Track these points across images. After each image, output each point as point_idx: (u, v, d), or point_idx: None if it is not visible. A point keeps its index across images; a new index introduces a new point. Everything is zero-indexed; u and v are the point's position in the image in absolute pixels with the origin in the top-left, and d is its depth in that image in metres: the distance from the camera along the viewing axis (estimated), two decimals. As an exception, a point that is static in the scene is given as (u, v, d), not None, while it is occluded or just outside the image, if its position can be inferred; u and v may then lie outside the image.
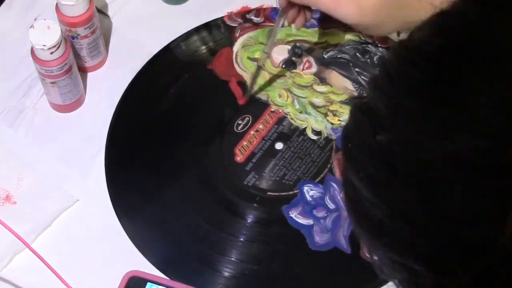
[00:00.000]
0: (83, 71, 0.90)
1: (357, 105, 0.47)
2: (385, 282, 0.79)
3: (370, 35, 0.88)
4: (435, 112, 0.41)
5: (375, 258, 0.47)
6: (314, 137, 0.87)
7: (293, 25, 0.84)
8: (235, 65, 0.92)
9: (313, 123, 0.88)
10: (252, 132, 0.88)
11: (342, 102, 0.89)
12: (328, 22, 0.95)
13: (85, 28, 0.85)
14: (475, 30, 0.42)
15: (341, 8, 0.74)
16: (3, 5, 0.95)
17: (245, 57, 0.93)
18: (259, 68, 0.89)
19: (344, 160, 0.46)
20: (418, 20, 0.45)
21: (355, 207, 0.46)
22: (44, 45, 0.80)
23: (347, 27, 0.94)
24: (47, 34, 0.80)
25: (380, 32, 0.82)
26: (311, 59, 0.92)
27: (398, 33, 0.79)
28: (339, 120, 0.88)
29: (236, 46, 0.93)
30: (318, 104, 0.89)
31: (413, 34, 0.45)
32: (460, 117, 0.40)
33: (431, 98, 0.42)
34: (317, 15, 0.96)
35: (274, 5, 0.96)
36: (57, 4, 0.84)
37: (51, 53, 0.80)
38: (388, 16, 0.75)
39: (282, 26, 0.83)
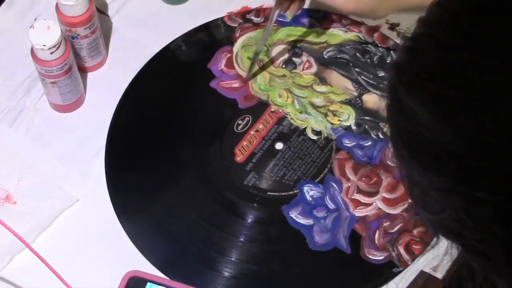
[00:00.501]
0: (83, 71, 0.90)
1: (411, 38, 0.45)
2: (385, 282, 0.79)
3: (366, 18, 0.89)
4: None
5: (426, 198, 0.45)
6: (314, 137, 0.87)
7: (288, 13, 0.86)
8: (235, 65, 0.92)
9: (313, 123, 0.88)
10: (252, 132, 0.88)
11: (342, 102, 0.89)
12: (328, 22, 0.95)
13: (85, 28, 0.85)
14: None
15: None
16: (3, 5, 0.95)
17: (245, 57, 0.93)
18: (257, 55, 0.89)
19: (401, 88, 0.44)
20: (411, 2, 0.45)
21: (411, 140, 0.44)
22: (44, 45, 0.80)
23: (347, 27, 0.95)
24: (47, 34, 0.80)
25: (376, 16, 0.84)
26: (311, 59, 0.92)
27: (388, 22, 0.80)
28: (339, 120, 0.88)
29: (236, 46, 0.93)
30: (318, 104, 0.89)
31: None
32: None
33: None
34: (317, 15, 0.96)
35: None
36: (57, 4, 0.84)
37: (51, 53, 0.80)
38: (383, 0, 0.76)
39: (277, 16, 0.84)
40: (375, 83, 0.91)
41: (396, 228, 0.82)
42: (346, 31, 0.94)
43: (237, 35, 0.94)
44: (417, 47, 0.44)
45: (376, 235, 0.81)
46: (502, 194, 0.40)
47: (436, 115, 0.42)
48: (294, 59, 0.92)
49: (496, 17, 0.42)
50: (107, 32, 0.94)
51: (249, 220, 0.83)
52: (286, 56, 0.92)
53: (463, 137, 0.41)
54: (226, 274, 0.80)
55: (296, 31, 0.94)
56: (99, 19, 0.88)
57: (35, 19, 0.94)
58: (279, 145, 0.87)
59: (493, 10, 0.42)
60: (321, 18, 0.95)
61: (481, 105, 0.40)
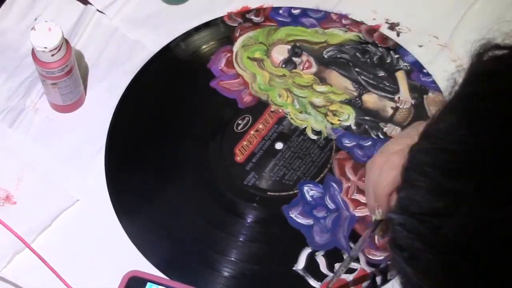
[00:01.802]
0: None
1: (401, 213, 0.45)
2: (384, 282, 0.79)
3: None
4: (494, 184, 0.41)
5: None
6: (314, 137, 0.87)
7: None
8: (235, 65, 0.92)
9: (313, 123, 0.88)
10: (252, 132, 0.88)
11: (342, 102, 0.89)
12: (328, 22, 0.95)
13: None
14: (498, 105, 0.42)
15: None
16: (3, 5, 0.95)
17: (245, 57, 0.93)
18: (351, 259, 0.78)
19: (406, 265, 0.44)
20: None
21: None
22: (45, 48, 0.79)
23: (347, 27, 0.95)
24: (48, 36, 0.80)
25: None
26: (311, 59, 0.92)
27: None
28: (339, 120, 0.88)
29: (236, 46, 0.93)
30: (318, 104, 0.89)
31: (431, 129, 0.45)
32: None
33: (481, 174, 0.41)
34: (317, 15, 0.96)
35: (274, 5, 0.96)
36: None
37: (52, 55, 0.80)
38: None
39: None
40: (375, 83, 0.91)
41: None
42: (346, 31, 0.94)
43: (237, 34, 0.94)
44: (407, 222, 0.44)
45: (376, 235, 0.81)
46: None
47: (444, 284, 0.42)
48: (294, 59, 0.92)
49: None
50: (107, 32, 0.93)
51: (249, 220, 0.83)
52: (286, 56, 0.92)
53: None
54: (226, 274, 0.80)
55: (296, 31, 0.94)
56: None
57: (35, 19, 0.94)
58: (279, 145, 0.87)
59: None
60: (321, 18, 0.95)
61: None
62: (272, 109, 0.89)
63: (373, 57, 0.93)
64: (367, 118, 0.88)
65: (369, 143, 0.87)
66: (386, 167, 0.67)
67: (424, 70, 0.92)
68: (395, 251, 0.45)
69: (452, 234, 0.41)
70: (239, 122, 0.88)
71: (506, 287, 0.40)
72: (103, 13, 0.95)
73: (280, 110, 0.89)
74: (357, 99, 0.90)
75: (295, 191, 0.84)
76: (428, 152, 0.44)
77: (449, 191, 0.41)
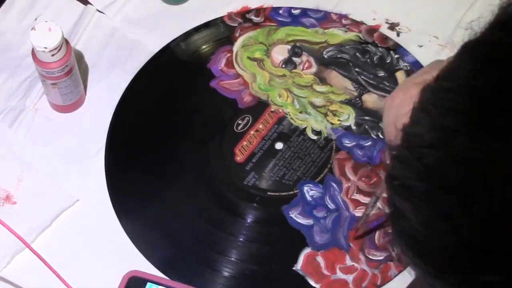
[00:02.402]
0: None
1: (400, 145, 0.47)
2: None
3: None
4: (484, 125, 0.42)
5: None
6: (314, 137, 0.87)
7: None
8: (235, 65, 0.92)
9: (313, 123, 0.88)
10: (252, 132, 0.88)
11: (342, 102, 0.89)
12: (328, 22, 0.95)
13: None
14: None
15: None
16: (3, 5, 0.95)
17: (245, 57, 0.93)
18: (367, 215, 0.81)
19: (395, 193, 0.47)
20: None
21: (413, 242, 0.46)
22: (45, 48, 0.79)
23: (347, 27, 0.95)
24: (48, 36, 0.80)
25: None
26: (311, 59, 0.92)
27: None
28: (339, 120, 0.88)
29: (236, 46, 0.93)
30: (318, 104, 0.89)
31: (444, 71, 0.47)
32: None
33: (474, 114, 0.43)
34: (317, 15, 0.96)
35: (274, 5, 0.96)
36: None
37: (52, 55, 0.80)
38: None
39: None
40: (375, 83, 0.91)
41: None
42: (346, 31, 0.94)
43: (237, 34, 0.94)
44: (401, 152, 0.47)
45: (376, 235, 0.81)
46: (505, 272, 0.42)
47: (429, 213, 0.44)
48: (294, 59, 0.92)
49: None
50: (107, 32, 0.93)
51: (249, 220, 0.83)
52: (286, 56, 0.92)
53: (458, 227, 0.43)
54: (226, 274, 0.80)
55: (296, 31, 0.94)
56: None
57: (36, 19, 0.94)
58: (279, 145, 0.87)
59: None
60: (321, 18, 0.95)
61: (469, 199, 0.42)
62: (272, 109, 0.89)
63: (373, 57, 0.93)
64: (367, 118, 0.88)
65: (369, 143, 0.87)
66: (407, 101, 0.68)
67: (424, 70, 0.92)
68: (388, 180, 0.47)
69: (433, 163, 0.43)
70: (239, 122, 0.88)
71: (478, 215, 0.42)
72: (103, 13, 0.95)
73: (280, 110, 0.89)
74: (357, 99, 0.90)
75: (295, 191, 0.84)
76: (433, 91, 0.46)
77: (442, 126, 0.44)
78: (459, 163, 0.43)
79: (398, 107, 0.68)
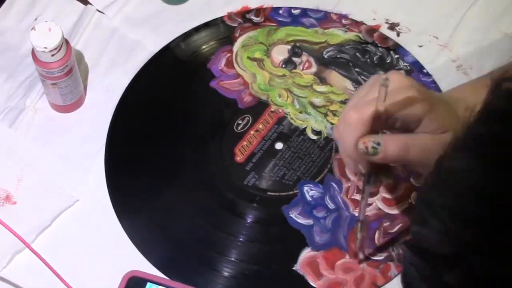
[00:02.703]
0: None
1: (412, 249, 0.43)
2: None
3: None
4: (503, 240, 0.38)
5: None
6: (314, 137, 0.87)
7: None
8: (235, 65, 0.92)
9: (313, 123, 0.88)
10: (252, 132, 0.88)
11: (342, 102, 0.89)
12: (328, 22, 0.95)
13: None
14: None
15: (433, 155, 0.65)
16: (3, 5, 0.95)
17: (245, 57, 0.93)
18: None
19: None
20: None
21: None
22: (45, 48, 0.79)
23: (347, 27, 0.95)
24: (48, 36, 0.80)
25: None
26: (311, 59, 0.92)
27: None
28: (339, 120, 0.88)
29: (236, 46, 0.93)
30: (318, 104, 0.89)
31: (444, 163, 0.43)
32: None
33: (491, 227, 0.39)
34: (317, 15, 0.96)
35: (274, 5, 0.96)
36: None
37: (52, 55, 0.80)
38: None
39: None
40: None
41: (396, 228, 0.82)
42: (346, 31, 0.94)
43: (237, 34, 0.94)
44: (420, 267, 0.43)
45: (376, 235, 0.81)
46: None
47: None
48: (294, 59, 0.92)
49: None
50: (107, 32, 0.93)
51: (249, 220, 0.83)
52: (286, 56, 0.92)
53: None
54: (226, 274, 0.80)
55: (296, 31, 0.94)
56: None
57: (35, 19, 0.94)
58: (279, 145, 0.87)
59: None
60: (321, 18, 0.95)
61: None
62: (272, 109, 0.89)
63: (373, 57, 0.93)
64: (367, 118, 0.88)
65: (369, 143, 0.87)
66: (345, 128, 0.67)
67: (424, 70, 0.92)
68: (404, 286, 0.44)
69: (453, 283, 0.40)
70: (239, 122, 0.88)
71: None
72: (103, 13, 0.95)
73: (280, 110, 0.89)
74: (357, 99, 0.90)
75: (295, 191, 0.84)
76: (440, 192, 0.42)
77: (457, 238, 0.40)
78: (480, 284, 0.39)
79: (356, 129, 0.65)
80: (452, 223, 0.40)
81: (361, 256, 0.80)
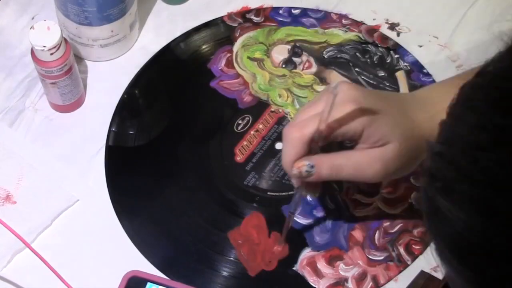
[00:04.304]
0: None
1: (441, 142, 0.44)
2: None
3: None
4: None
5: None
6: (314, 137, 0.87)
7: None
8: (235, 65, 0.92)
9: (313, 123, 0.88)
10: (252, 132, 0.88)
11: (342, 102, 0.89)
12: (328, 22, 0.95)
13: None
14: None
15: (365, 172, 0.69)
16: (0, 3, 0.95)
17: (245, 57, 0.93)
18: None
19: (438, 195, 0.43)
20: None
21: (457, 246, 0.43)
22: (44, 46, 0.79)
23: (347, 27, 0.95)
24: (47, 35, 0.80)
25: (403, 174, 0.75)
26: (311, 59, 0.92)
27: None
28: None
29: (236, 46, 0.93)
30: (318, 104, 0.89)
31: (487, 67, 0.45)
32: None
33: None
34: (317, 15, 0.96)
35: (274, 5, 0.96)
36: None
37: (51, 54, 0.80)
38: (411, 158, 0.71)
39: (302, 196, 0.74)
40: (375, 83, 0.91)
41: (396, 228, 0.82)
42: (346, 31, 0.94)
43: (237, 34, 0.94)
44: (446, 152, 0.43)
45: (376, 235, 0.81)
46: None
47: (478, 218, 0.41)
48: (294, 59, 0.92)
49: None
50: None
51: (249, 220, 0.83)
52: (286, 56, 0.92)
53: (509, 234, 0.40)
54: (226, 274, 0.80)
55: (296, 31, 0.94)
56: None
57: (33, 18, 0.94)
58: (279, 145, 0.87)
59: None
60: (321, 18, 0.95)
61: None
62: (272, 109, 0.89)
63: (373, 57, 0.93)
64: (367, 118, 0.88)
65: (369, 143, 0.87)
66: (284, 143, 0.69)
67: (424, 70, 0.92)
68: (428, 180, 0.45)
69: (490, 168, 0.40)
70: (239, 122, 0.88)
71: None
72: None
73: (280, 110, 0.89)
74: (357, 99, 0.90)
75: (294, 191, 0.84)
76: (481, 88, 0.44)
77: (495, 126, 0.41)
78: None
79: (295, 147, 0.68)
80: (490, 113, 0.41)
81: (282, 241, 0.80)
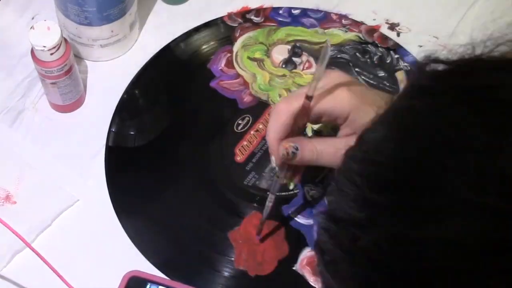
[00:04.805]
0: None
1: (326, 217, 0.45)
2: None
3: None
4: (414, 203, 0.40)
5: None
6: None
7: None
8: (235, 65, 0.92)
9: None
10: (252, 132, 0.88)
11: (342, 102, 0.89)
12: (328, 22, 0.95)
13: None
14: (429, 123, 0.41)
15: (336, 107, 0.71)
16: (0, 3, 0.95)
17: (245, 57, 0.93)
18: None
19: (325, 269, 0.44)
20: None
21: None
22: (44, 46, 0.79)
23: (347, 27, 0.95)
24: (47, 35, 0.80)
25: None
26: (311, 59, 0.92)
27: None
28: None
29: (236, 46, 0.94)
30: (318, 104, 0.89)
31: (365, 136, 0.45)
32: (442, 202, 0.39)
33: (404, 190, 0.40)
34: (317, 15, 0.96)
35: (274, 5, 0.96)
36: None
37: (51, 54, 0.80)
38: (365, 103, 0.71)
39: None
40: (375, 83, 0.91)
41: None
42: (346, 31, 0.94)
43: (237, 34, 0.94)
44: (331, 228, 0.44)
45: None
46: None
47: None
48: (294, 59, 0.92)
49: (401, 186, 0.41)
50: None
51: (249, 220, 0.83)
52: (286, 56, 0.92)
53: None
54: (226, 274, 0.80)
55: (296, 31, 0.94)
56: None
57: (33, 18, 0.94)
58: (279, 145, 0.87)
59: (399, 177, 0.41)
60: (321, 18, 0.95)
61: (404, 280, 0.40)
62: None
63: (373, 57, 0.93)
64: (367, 118, 0.88)
65: (369, 143, 0.87)
66: (272, 115, 0.72)
67: (424, 70, 0.91)
68: (317, 253, 0.45)
69: (368, 247, 0.41)
70: (239, 122, 0.88)
71: None
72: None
73: (280, 110, 0.89)
74: (357, 99, 0.90)
75: (295, 191, 0.84)
76: (359, 160, 0.44)
77: (371, 203, 0.41)
78: (394, 247, 0.40)
79: (282, 116, 0.70)
80: (368, 189, 0.42)
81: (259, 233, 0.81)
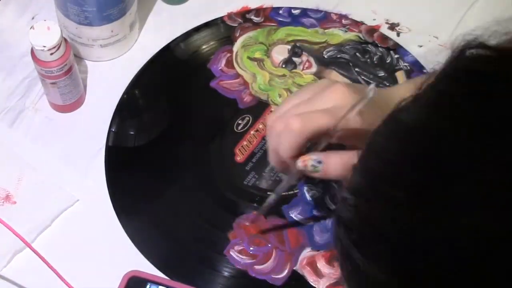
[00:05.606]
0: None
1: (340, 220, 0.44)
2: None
3: None
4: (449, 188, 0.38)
5: None
6: (314, 137, 0.87)
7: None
8: (235, 65, 0.92)
9: (313, 123, 0.88)
10: (252, 132, 0.88)
11: (342, 102, 0.89)
12: (328, 22, 0.95)
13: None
14: (487, 108, 0.40)
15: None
16: (0, 3, 0.95)
17: (245, 57, 0.93)
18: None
19: (353, 247, 0.43)
20: None
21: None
22: (44, 46, 0.79)
23: (347, 27, 0.95)
24: (47, 35, 0.80)
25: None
26: (311, 59, 0.92)
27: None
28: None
29: (236, 46, 0.94)
30: (318, 104, 0.89)
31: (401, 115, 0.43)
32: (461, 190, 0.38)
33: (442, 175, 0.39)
34: (317, 15, 0.96)
35: (274, 5, 0.96)
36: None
37: (51, 54, 0.80)
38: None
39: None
40: (375, 83, 0.91)
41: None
42: (346, 31, 0.94)
43: (237, 34, 0.94)
44: (361, 204, 0.42)
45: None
46: None
47: (395, 278, 0.40)
48: (294, 59, 0.92)
49: (439, 167, 0.39)
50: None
51: (249, 220, 0.83)
52: (286, 56, 0.92)
53: None
54: (226, 274, 0.80)
55: (296, 31, 0.94)
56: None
57: (33, 18, 0.94)
58: (279, 145, 0.87)
59: (435, 160, 0.39)
60: (321, 18, 0.95)
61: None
62: (272, 109, 0.89)
63: (373, 57, 0.93)
64: (367, 118, 0.88)
65: (369, 143, 0.86)
66: (286, 133, 0.66)
67: (424, 70, 0.92)
68: (344, 231, 0.44)
69: (409, 230, 0.39)
70: (239, 122, 0.88)
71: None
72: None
73: (280, 110, 0.89)
74: (357, 99, 0.90)
75: (295, 191, 0.84)
76: (397, 140, 0.42)
77: (413, 183, 0.40)
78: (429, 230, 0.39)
79: (297, 137, 0.65)
80: (409, 168, 0.40)
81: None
